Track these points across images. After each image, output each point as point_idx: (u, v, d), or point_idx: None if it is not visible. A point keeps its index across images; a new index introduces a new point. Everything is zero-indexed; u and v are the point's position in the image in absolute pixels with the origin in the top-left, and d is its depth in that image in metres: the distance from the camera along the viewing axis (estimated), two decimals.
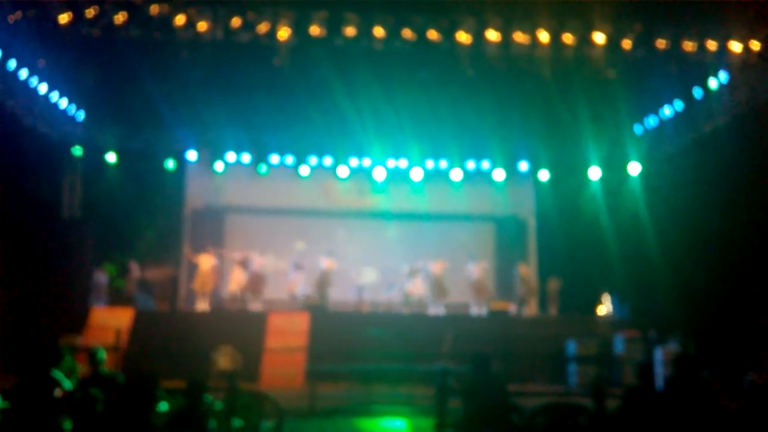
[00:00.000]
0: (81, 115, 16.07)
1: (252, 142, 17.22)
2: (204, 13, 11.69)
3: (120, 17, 11.48)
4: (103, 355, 7.12)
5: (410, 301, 16.20)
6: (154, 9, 11.50)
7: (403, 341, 13.35)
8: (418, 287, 16.21)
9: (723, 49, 12.20)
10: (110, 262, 15.82)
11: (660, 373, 10.80)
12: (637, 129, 16.54)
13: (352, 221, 18.51)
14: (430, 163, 17.68)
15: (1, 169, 12.77)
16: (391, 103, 14.32)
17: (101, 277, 15.39)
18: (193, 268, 17.49)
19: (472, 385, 6.43)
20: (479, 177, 17.99)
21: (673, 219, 14.63)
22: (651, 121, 16.06)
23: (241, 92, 14.34)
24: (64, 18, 11.33)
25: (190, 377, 6.10)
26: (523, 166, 17.90)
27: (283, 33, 11.82)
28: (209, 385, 6.20)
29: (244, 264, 16.03)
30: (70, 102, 15.23)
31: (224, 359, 12.53)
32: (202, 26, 11.71)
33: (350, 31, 11.89)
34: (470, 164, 17.84)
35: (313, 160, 17.52)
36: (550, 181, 17.84)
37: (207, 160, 17.35)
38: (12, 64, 12.38)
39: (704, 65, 12.84)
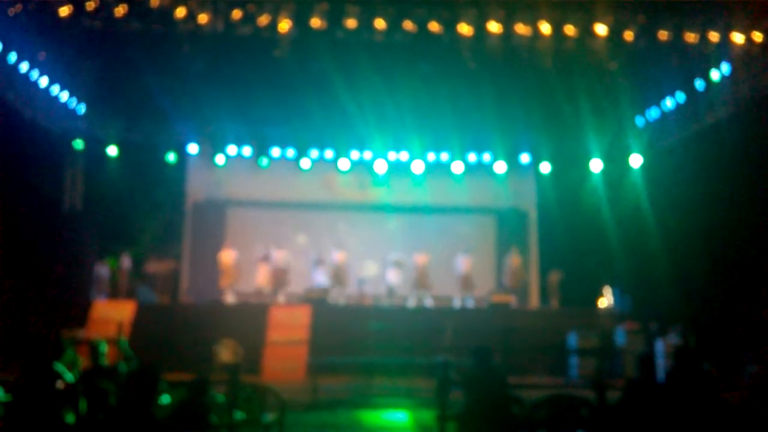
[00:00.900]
0: (82, 109, 16.03)
1: (253, 135, 17.20)
2: (205, 6, 11.66)
3: (120, 10, 11.46)
4: (105, 348, 7.14)
5: (392, 292, 16.25)
6: (155, 1, 11.48)
7: (405, 334, 13.37)
8: (394, 277, 16.26)
9: (725, 40, 12.15)
10: (111, 256, 15.84)
11: (661, 365, 10.83)
12: (639, 121, 16.49)
13: (354, 214, 18.51)
14: (431, 156, 17.66)
15: (2, 163, 12.77)
16: (392, 95, 14.28)
17: (103, 270, 15.42)
18: (196, 261, 17.56)
19: (473, 377, 6.44)
20: (480, 169, 17.96)
21: (674, 211, 14.62)
22: (653, 113, 16.00)
23: (242, 85, 14.30)
24: (64, 11, 11.30)
25: (191, 370, 6.12)
26: (525, 158, 17.86)
27: (284, 25, 11.79)
28: (211, 378, 6.21)
29: (265, 258, 16.09)
30: (70, 95, 15.20)
31: (226, 352, 12.57)
32: (203, 18, 11.67)
33: (351, 23, 11.85)
34: (471, 157, 17.81)
35: (314, 153, 17.50)
36: (552, 173, 17.82)
37: (208, 153, 17.33)
38: (12, 57, 12.34)
39: (706, 57, 12.78)
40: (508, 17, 12.00)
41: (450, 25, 12.04)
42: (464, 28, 12.02)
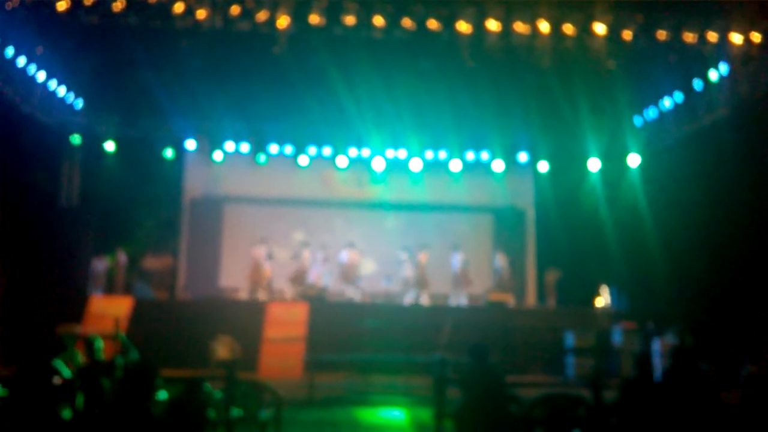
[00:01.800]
0: (79, 104, 16.00)
1: (251, 132, 17.15)
2: (203, 1, 11.63)
3: (118, 5, 11.42)
4: (101, 343, 7.12)
5: (407, 288, 16.27)
6: None
7: (402, 332, 13.37)
8: (410, 273, 16.34)
9: (724, 40, 12.15)
10: (108, 251, 15.82)
11: (658, 364, 10.82)
12: (637, 120, 16.50)
13: (351, 211, 18.50)
14: (429, 154, 17.63)
15: None
16: (390, 93, 14.26)
17: (100, 265, 15.39)
18: (193, 258, 17.54)
19: (470, 375, 6.44)
20: (478, 168, 17.95)
21: (672, 211, 14.63)
22: (651, 112, 16.02)
23: (240, 81, 14.28)
24: (62, 5, 11.26)
25: (188, 366, 6.11)
26: (523, 157, 17.86)
27: (283, 21, 11.76)
28: (208, 374, 6.21)
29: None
30: (68, 90, 15.17)
31: (223, 349, 12.55)
32: (201, 14, 11.65)
33: (350, 20, 11.83)
34: (469, 155, 17.80)
35: (312, 150, 17.47)
36: (550, 172, 17.82)
37: (206, 150, 17.29)
38: (10, 51, 12.31)
39: (705, 57, 12.79)
40: (506, 16, 11.99)
41: (449, 23, 12.02)
42: (463, 26, 12.01)
